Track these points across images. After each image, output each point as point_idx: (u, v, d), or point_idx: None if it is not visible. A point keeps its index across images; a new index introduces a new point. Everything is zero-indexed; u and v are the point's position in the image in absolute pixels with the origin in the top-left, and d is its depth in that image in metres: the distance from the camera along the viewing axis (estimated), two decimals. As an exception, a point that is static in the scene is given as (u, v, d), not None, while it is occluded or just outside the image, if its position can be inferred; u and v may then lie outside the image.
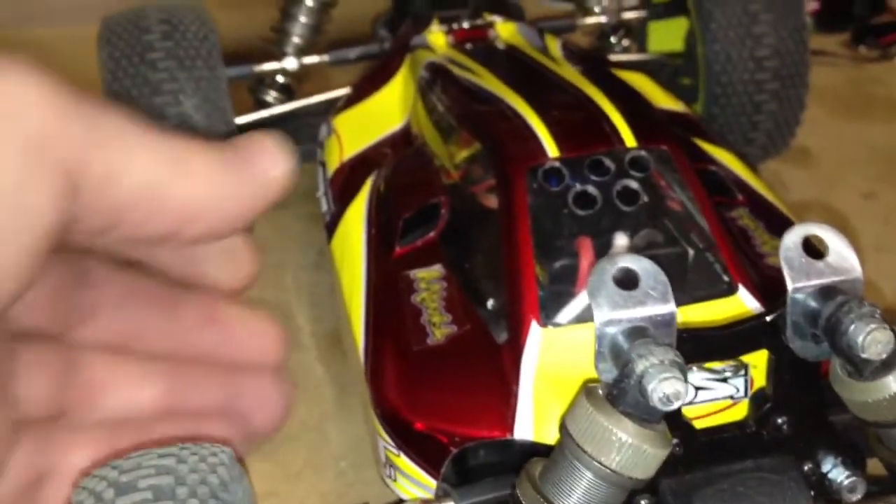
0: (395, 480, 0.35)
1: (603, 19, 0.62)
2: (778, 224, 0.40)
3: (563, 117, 0.37)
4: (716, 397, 0.32)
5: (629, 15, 0.62)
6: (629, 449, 0.26)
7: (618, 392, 0.26)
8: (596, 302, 0.28)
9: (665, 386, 0.25)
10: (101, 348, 0.34)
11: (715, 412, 0.32)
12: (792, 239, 0.28)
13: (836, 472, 0.30)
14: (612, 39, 0.63)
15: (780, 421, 0.30)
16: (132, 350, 0.37)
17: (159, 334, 0.38)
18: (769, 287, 0.34)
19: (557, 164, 0.36)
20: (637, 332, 0.27)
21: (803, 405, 0.30)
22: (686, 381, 0.26)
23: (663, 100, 0.48)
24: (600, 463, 0.26)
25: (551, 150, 0.36)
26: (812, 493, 0.30)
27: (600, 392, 0.27)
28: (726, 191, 0.41)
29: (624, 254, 0.28)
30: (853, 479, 0.30)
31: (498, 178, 0.36)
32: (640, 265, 0.28)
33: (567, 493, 0.27)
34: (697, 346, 0.29)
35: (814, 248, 0.29)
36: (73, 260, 0.37)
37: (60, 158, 0.26)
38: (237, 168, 0.31)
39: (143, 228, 0.29)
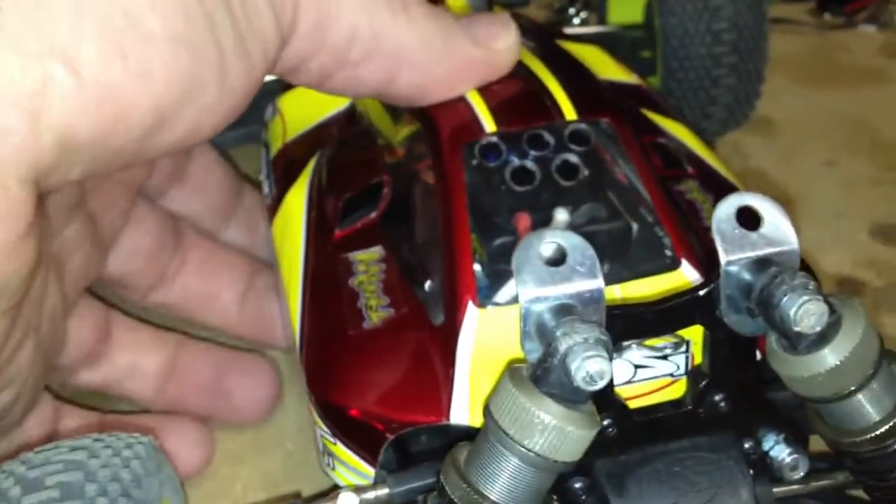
0: (333, 469, 0.34)
1: None
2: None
3: (500, 91, 0.36)
4: (655, 375, 0.31)
5: None
6: (553, 431, 0.25)
7: (542, 372, 0.25)
8: (521, 279, 0.27)
9: (589, 365, 0.24)
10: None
11: (654, 390, 0.31)
12: (725, 209, 0.28)
13: (778, 450, 0.30)
14: (571, 11, 0.62)
15: (717, 398, 0.29)
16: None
17: (231, 298, 0.41)
18: (714, 261, 0.33)
19: (494, 139, 0.35)
20: (564, 310, 0.26)
21: (741, 382, 0.29)
22: (611, 359, 0.25)
23: (615, 72, 0.47)
24: (524, 446, 0.25)
25: (488, 124, 0.35)
26: (751, 471, 0.29)
27: (524, 373, 0.26)
28: (676, 163, 0.40)
29: (551, 229, 0.27)
30: (795, 456, 0.29)
31: (434, 155, 0.35)
32: (568, 240, 0.27)
33: (492, 478, 0.26)
34: (628, 323, 0.28)
35: (749, 219, 0.28)
36: (172, 219, 0.40)
37: None
38: (457, 30, 0.34)
39: (362, 68, 0.33)
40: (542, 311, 0.27)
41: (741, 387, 0.29)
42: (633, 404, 0.30)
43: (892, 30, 0.71)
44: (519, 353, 0.28)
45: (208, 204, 0.44)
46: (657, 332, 0.28)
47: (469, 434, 0.31)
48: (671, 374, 0.31)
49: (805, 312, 0.25)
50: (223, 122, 0.30)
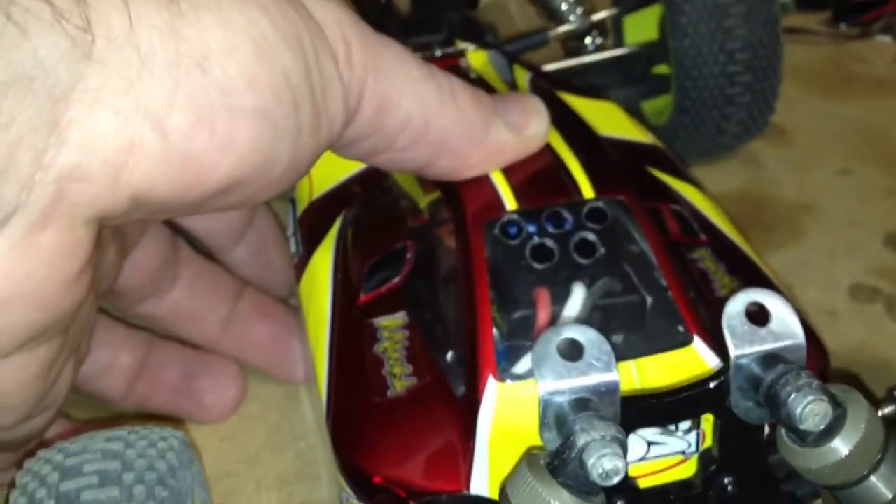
0: (357, 529, 0.36)
1: (575, 26, 0.62)
2: (739, 266, 0.40)
3: (521, 169, 0.37)
4: (668, 452, 0.32)
5: (601, 15, 0.62)
6: (565, 521, 0.26)
7: (559, 463, 0.27)
8: (540, 373, 0.28)
9: (605, 462, 0.26)
10: None
11: (666, 468, 0.32)
12: (735, 306, 0.29)
13: (783, 530, 0.31)
14: (587, 41, 0.63)
15: (726, 481, 0.30)
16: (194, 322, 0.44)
17: (216, 318, 0.42)
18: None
19: (515, 216, 0.36)
20: (581, 404, 0.28)
21: (749, 466, 0.30)
22: (625, 457, 0.26)
23: (630, 130, 0.48)
24: (538, 532, 0.27)
25: (509, 202, 0.36)
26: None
27: (542, 461, 0.28)
28: (689, 230, 0.42)
29: (569, 324, 0.29)
30: (799, 536, 0.31)
31: (457, 231, 0.36)
32: (585, 335, 0.28)
33: (508, 558, 0.27)
34: (641, 414, 0.29)
35: (758, 315, 0.29)
36: (174, 234, 0.42)
37: (349, 79, 0.32)
38: (495, 118, 0.37)
39: (408, 152, 0.35)
40: (560, 403, 0.28)
41: (749, 471, 0.31)
42: (644, 482, 0.32)
43: None
44: (536, 425, 0.29)
45: (223, 223, 0.46)
46: (668, 422, 0.30)
47: (488, 504, 0.32)
48: (683, 452, 0.32)
49: (810, 413, 0.27)
50: (280, 191, 0.32)
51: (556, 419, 0.28)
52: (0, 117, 0.25)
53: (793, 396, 0.27)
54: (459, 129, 0.35)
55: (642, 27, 0.61)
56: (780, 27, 0.55)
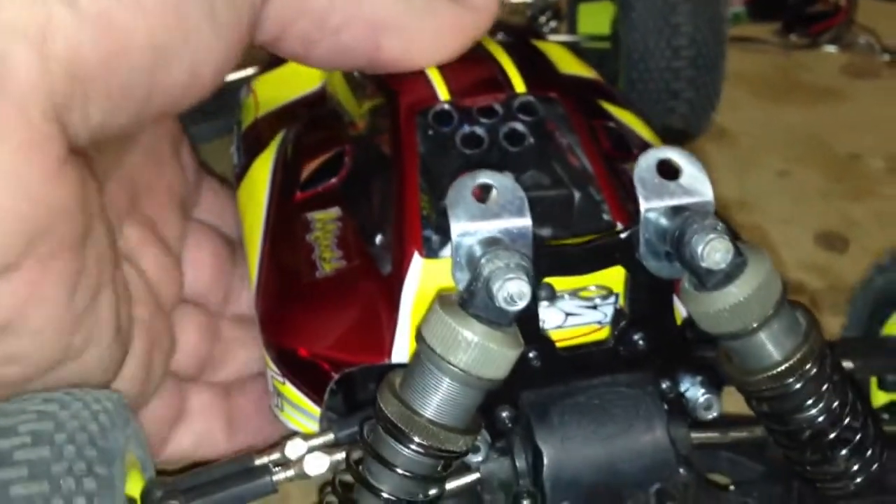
0: (282, 410, 0.36)
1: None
2: None
3: (456, 65, 0.38)
4: (584, 322, 0.33)
5: None
6: (476, 348, 0.27)
7: (468, 295, 0.27)
8: (454, 213, 0.29)
9: (509, 286, 0.27)
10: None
11: (582, 335, 0.33)
12: (646, 160, 0.30)
13: (693, 391, 0.32)
14: (542, 20, 0.64)
15: (636, 337, 0.31)
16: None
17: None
18: None
19: (447, 106, 0.37)
20: (492, 243, 0.28)
21: (659, 322, 0.31)
22: (530, 282, 0.27)
23: (575, 67, 0.49)
24: (450, 363, 0.27)
25: (443, 94, 0.37)
26: (667, 407, 0.31)
27: (453, 298, 0.28)
28: (625, 147, 0.43)
29: (484, 170, 0.29)
30: (708, 396, 0.32)
31: (391, 120, 0.37)
32: (498, 181, 0.29)
33: (424, 395, 0.28)
34: (554, 261, 0.30)
35: (669, 171, 0.30)
36: (229, 241, 0.42)
37: None
38: None
39: (346, 36, 0.35)
40: (472, 244, 0.29)
41: (659, 327, 0.31)
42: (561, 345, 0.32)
43: (853, 50, 0.74)
44: None
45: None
46: (580, 271, 0.30)
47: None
48: (599, 322, 0.33)
49: (712, 249, 0.27)
50: (220, 70, 0.33)
51: (467, 258, 0.28)
52: None
53: (697, 235, 0.28)
54: (396, 2, 0.35)
55: (595, 20, 0.63)
56: (725, 27, 0.56)
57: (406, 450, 0.28)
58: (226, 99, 0.51)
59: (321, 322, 0.35)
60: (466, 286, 0.28)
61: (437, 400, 0.28)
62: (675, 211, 0.29)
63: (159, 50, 0.30)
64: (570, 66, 0.50)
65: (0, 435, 0.27)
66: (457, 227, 0.29)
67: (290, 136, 0.44)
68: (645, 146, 0.43)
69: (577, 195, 0.37)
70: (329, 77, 0.48)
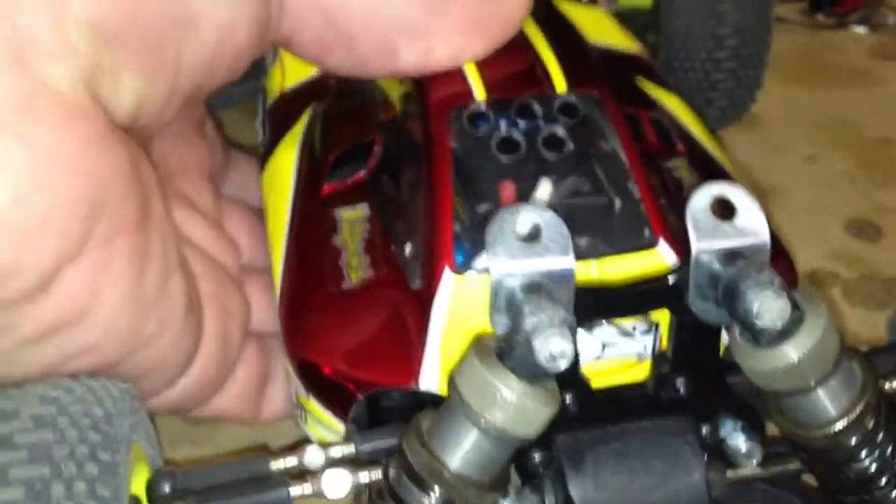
0: (305, 422, 0.35)
1: None
2: (715, 177, 0.39)
3: (493, 59, 0.36)
4: (623, 353, 0.31)
5: None
6: (513, 406, 0.26)
7: (507, 347, 0.26)
8: (494, 252, 0.27)
9: (552, 344, 0.25)
10: None
11: (620, 369, 0.31)
12: (701, 198, 0.28)
13: (734, 437, 0.30)
14: None
15: (678, 382, 0.30)
16: None
17: None
18: None
19: (483, 106, 0.35)
20: (533, 287, 0.27)
21: (702, 368, 0.30)
22: (574, 340, 0.25)
23: (617, 37, 0.47)
24: (484, 419, 0.26)
25: (479, 91, 0.35)
26: (706, 455, 0.30)
27: (490, 347, 0.27)
28: (668, 139, 0.41)
29: (527, 204, 0.27)
30: (750, 444, 0.30)
31: (422, 120, 0.35)
32: (543, 217, 0.27)
33: (452, 447, 0.27)
34: (597, 304, 0.28)
35: (723, 209, 0.28)
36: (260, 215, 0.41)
37: None
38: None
39: (359, 44, 0.34)
40: (512, 286, 0.27)
41: (702, 372, 0.30)
42: (598, 382, 0.31)
43: (882, 31, 0.71)
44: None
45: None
46: (624, 314, 0.29)
47: (437, 400, 0.31)
48: (638, 355, 0.31)
49: (768, 309, 0.26)
50: (251, 35, 0.31)
51: (506, 302, 0.27)
52: None
53: (751, 291, 0.26)
54: (409, 4, 0.33)
55: None
56: (771, 16, 0.54)
57: (428, 499, 0.27)
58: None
59: (347, 339, 0.33)
60: (505, 336, 0.26)
61: (465, 452, 0.27)
62: (729, 257, 0.27)
63: (180, 3, 0.29)
64: (611, 35, 0.47)
65: (1, 418, 0.26)
66: (497, 266, 0.27)
67: (317, 118, 0.42)
68: (687, 137, 0.41)
69: (617, 205, 0.35)
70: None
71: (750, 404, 0.30)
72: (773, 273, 0.26)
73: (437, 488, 0.27)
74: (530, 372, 0.26)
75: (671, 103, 0.43)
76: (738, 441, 0.30)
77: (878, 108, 0.64)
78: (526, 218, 0.27)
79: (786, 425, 0.28)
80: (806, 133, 0.62)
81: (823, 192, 0.57)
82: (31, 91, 0.26)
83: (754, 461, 0.30)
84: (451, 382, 0.27)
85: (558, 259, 0.27)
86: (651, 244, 0.33)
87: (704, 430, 0.30)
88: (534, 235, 0.27)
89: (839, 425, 0.27)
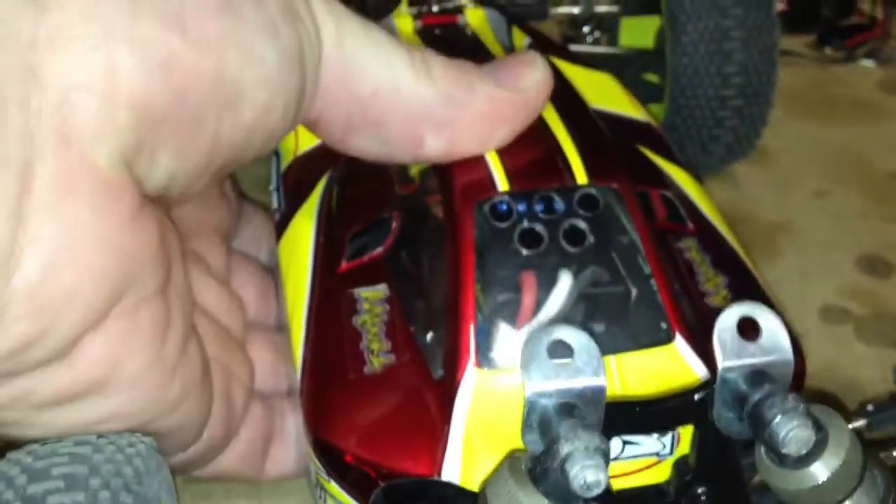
0: (324, 503, 0.36)
1: (575, 10, 0.61)
2: (724, 259, 0.40)
3: (515, 149, 0.37)
4: (642, 453, 0.32)
5: (602, 8, 0.61)
6: (544, 529, 0.26)
7: (541, 471, 0.27)
8: (528, 373, 0.28)
9: (587, 474, 0.26)
10: None
11: (640, 469, 0.32)
12: (727, 320, 0.29)
13: (757, 551, 0.31)
14: (585, 29, 0.62)
15: (699, 491, 0.30)
16: None
17: None
18: (708, 328, 0.35)
19: (506, 198, 0.35)
20: (566, 408, 0.28)
21: (724, 477, 0.30)
22: (607, 465, 0.26)
23: (625, 105, 0.47)
24: (516, 538, 0.26)
25: (501, 182, 0.36)
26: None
27: (523, 466, 0.27)
28: (677, 217, 0.41)
29: (561, 325, 0.28)
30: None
31: (446, 211, 0.36)
32: (576, 338, 0.28)
33: (481, 561, 0.27)
34: (624, 420, 0.29)
35: (748, 329, 0.29)
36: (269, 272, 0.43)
37: (312, 16, 0.32)
38: (477, 77, 0.35)
39: (385, 129, 0.34)
40: (545, 406, 0.28)
41: (724, 482, 0.31)
42: (617, 482, 0.32)
43: (891, 65, 0.72)
44: (514, 417, 0.30)
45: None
46: (650, 430, 0.30)
47: (457, 493, 0.32)
48: (657, 454, 0.32)
49: (793, 438, 0.27)
50: (287, 112, 0.32)
51: (539, 422, 0.28)
52: None
53: (778, 419, 0.27)
54: (436, 92, 0.34)
55: (638, 33, 0.60)
56: (776, 54, 0.54)
57: None
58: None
59: (369, 426, 0.34)
60: (539, 459, 0.27)
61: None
62: (755, 375, 0.28)
63: (226, 85, 0.29)
64: (618, 103, 0.48)
65: (31, 479, 0.26)
66: (531, 386, 0.28)
67: (334, 186, 0.42)
68: (696, 214, 0.42)
69: (634, 296, 0.36)
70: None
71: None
72: (797, 400, 0.27)
73: None
74: (561, 496, 0.26)
75: (677, 175, 0.44)
76: (762, 555, 0.31)
77: (888, 142, 0.65)
78: (558, 338, 0.28)
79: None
80: (816, 167, 0.62)
81: (834, 228, 0.58)
82: (72, 169, 0.27)
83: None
84: (483, 497, 0.27)
85: (591, 380, 0.28)
86: (668, 339, 0.34)
87: (727, 542, 0.31)
88: (567, 355, 0.28)
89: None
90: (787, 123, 0.65)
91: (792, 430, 0.27)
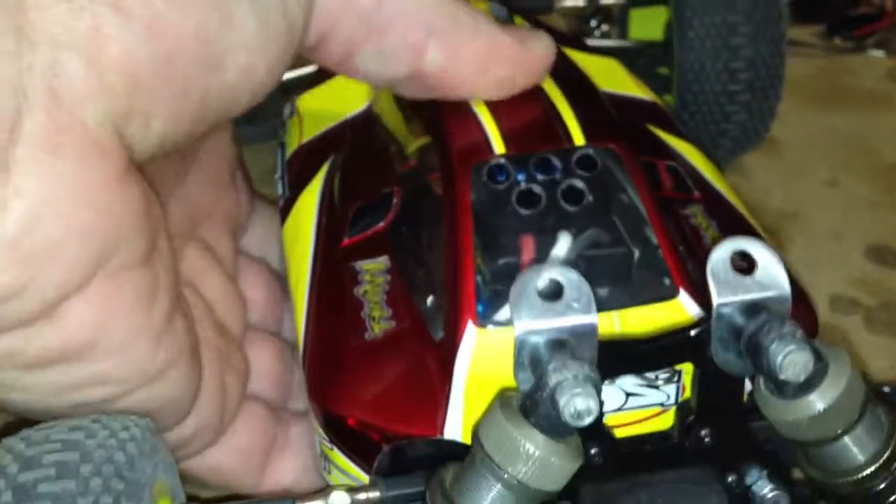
0: (329, 473, 0.35)
1: (581, 2, 0.61)
2: (732, 223, 0.39)
3: (512, 114, 0.37)
4: (646, 404, 0.32)
5: (609, 0, 0.61)
6: (536, 461, 0.26)
7: (531, 404, 0.26)
8: (517, 311, 0.27)
9: (577, 402, 0.25)
10: None
11: (645, 418, 0.32)
12: (720, 254, 0.28)
13: (760, 485, 0.30)
14: (592, 23, 0.62)
15: (702, 432, 0.30)
16: None
17: None
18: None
19: (503, 160, 0.35)
20: (557, 345, 0.27)
21: (727, 417, 0.30)
22: (599, 396, 0.26)
23: (631, 87, 0.47)
24: (508, 473, 0.26)
25: (498, 146, 0.36)
26: None
27: (515, 402, 0.27)
28: (684, 186, 0.41)
29: (549, 264, 0.28)
30: (777, 492, 0.30)
31: (443, 175, 0.36)
32: (565, 276, 0.28)
33: (475, 501, 0.27)
34: (620, 359, 0.29)
35: (743, 263, 0.29)
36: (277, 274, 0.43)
37: None
38: (484, 15, 0.36)
39: (389, 36, 0.34)
40: (536, 344, 0.27)
41: (726, 421, 0.30)
42: (622, 431, 0.31)
43: None
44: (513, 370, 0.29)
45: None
46: (647, 368, 0.29)
47: (461, 450, 0.32)
48: (661, 404, 0.32)
49: (791, 362, 0.26)
50: (273, 68, 0.32)
51: (530, 359, 0.27)
52: None
53: (774, 345, 0.26)
54: (443, 10, 0.35)
55: (648, 25, 0.60)
56: (783, 48, 0.54)
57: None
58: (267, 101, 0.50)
59: (371, 390, 0.34)
60: (530, 393, 0.27)
61: (488, 506, 0.27)
62: (751, 309, 0.28)
63: (210, 46, 0.30)
64: (625, 85, 0.48)
65: (23, 467, 0.26)
66: (520, 325, 0.27)
67: (336, 170, 0.42)
68: (704, 184, 0.42)
69: (636, 255, 0.35)
70: (376, 97, 0.46)
71: (775, 452, 0.30)
72: (795, 326, 0.27)
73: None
74: (554, 428, 0.26)
75: (685, 150, 0.44)
76: (765, 490, 0.30)
77: None
78: (548, 277, 0.27)
79: (812, 472, 0.29)
80: (825, 157, 0.62)
81: (844, 218, 0.58)
82: (60, 125, 0.27)
83: (780, 509, 0.30)
84: (475, 436, 0.27)
85: (581, 317, 0.27)
86: (671, 294, 0.33)
87: (730, 478, 0.30)
88: (556, 294, 0.28)
89: (866, 471, 0.28)
90: (796, 113, 0.64)
91: (789, 354, 0.26)
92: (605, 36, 0.62)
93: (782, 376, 0.26)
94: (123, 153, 0.29)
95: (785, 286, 0.28)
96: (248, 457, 0.38)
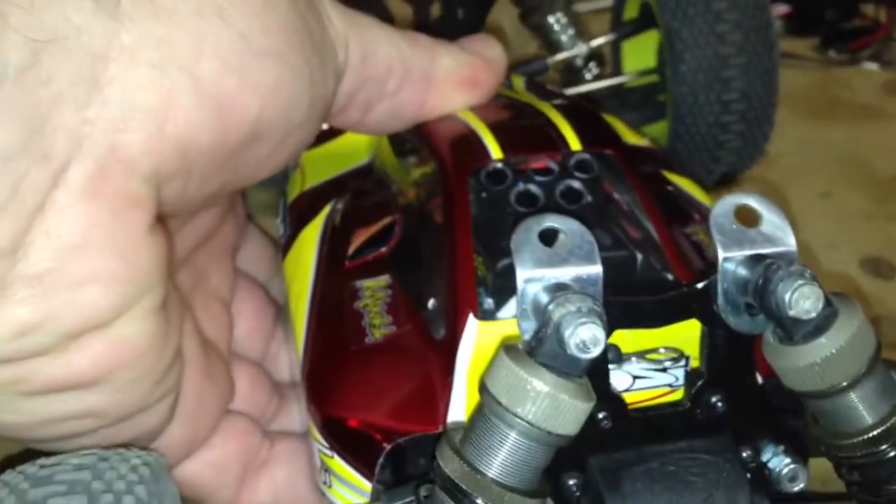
0: (329, 486, 0.34)
1: (574, 52, 0.62)
2: None
3: (508, 122, 0.37)
4: (653, 385, 0.31)
5: (600, 41, 0.62)
6: (545, 399, 0.25)
7: (536, 343, 0.25)
8: (519, 258, 0.27)
9: (582, 331, 0.25)
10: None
11: (652, 398, 0.31)
12: (723, 206, 0.28)
13: (776, 461, 0.29)
14: (587, 73, 0.63)
15: (714, 399, 0.29)
16: None
17: None
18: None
19: (500, 165, 0.35)
20: (560, 289, 0.27)
21: (739, 382, 0.29)
22: (604, 327, 0.25)
23: (628, 136, 0.48)
24: (517, 415, 0.25)
25: (495, 153, 0.36)
26: (749, 478, 0.29)
27: (519, 347, 0.26)
28: (683, 210, 0.41)
29: (551, 214, 0.28)
30: (793, 466, 0.29)
31: (441, 180, 0.36)
32: (567, 225, 0.27)
33: (488, 453, 0.26)
34: (626, 312, 0.28)
35: (747, 218, 0.28)
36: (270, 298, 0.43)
37: (334, 31, 0.34)
38: (457, 49, 0.40)
39: (399, 96, 0.38)
40: (538, 291, 0.27)
41: (739, 388, 0.29)
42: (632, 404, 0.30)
43: (894, 68, 0.72)
44: None
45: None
46: (654, 324, 0.28)
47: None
48: (669, 385, 0.31)
49: (800, 296, 0.25)
50: (304, 143, 0.34)
51: (533, 306, 0.27)
52: (40, 73, 0.26)
53: (783, 282, 0.26)
54: (435, 64, 0.38)
55: (640, 54, 0.61)
56: (776, 76, 0.55)
57: (466, 511, 0.26)
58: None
59: (371, 389, 0.33)
60: (534, 333, 0.26)
61: (502, 458, 0.26)
62: (756, 260, 0.27)
63: (262, 126, 0.31)
64: (624, 135, 0.48)
65: None
66: (522, 273, 0.27)
67: (339, 207, 0.43)
68: (704, 210, 0.42)
69: (639, 255, 0.35)
70: (377, 149, 0.47)
71: (791, 427, 0.29)
72: (803, 266, 0.26)
73: (477, 500, 0.25)
74: (561, 366, 0.25)
75: (686, 185, 0.44)
76: (781, 464, 0.29)
77: (892, 144, 0.65)
78: (550, 225, 0.27)
79: (823, 437, 0.27)
80: (819, 169, 0.62)
81: (838, 230, 0.57)
82: (106, 177, 0.27)
83: (799, 485, 0.29)
84: (482, 386, 0.26)
85: (585, 266, 0.27)
86: (676, 287, 0.33)
87: (745, 453, 0.29)
88: (559, 243, 0.27)
89: (876, 431, 0.26)
90: (791, 125, 0.64)
91: (798, 289, 0.25)
92: (599, 77, 0.63)
93: (791, 313, 0.25)
94: (155, 207, 0.29)
95: (791, 241, 0.28)
96: (222, 472, 0.37)
